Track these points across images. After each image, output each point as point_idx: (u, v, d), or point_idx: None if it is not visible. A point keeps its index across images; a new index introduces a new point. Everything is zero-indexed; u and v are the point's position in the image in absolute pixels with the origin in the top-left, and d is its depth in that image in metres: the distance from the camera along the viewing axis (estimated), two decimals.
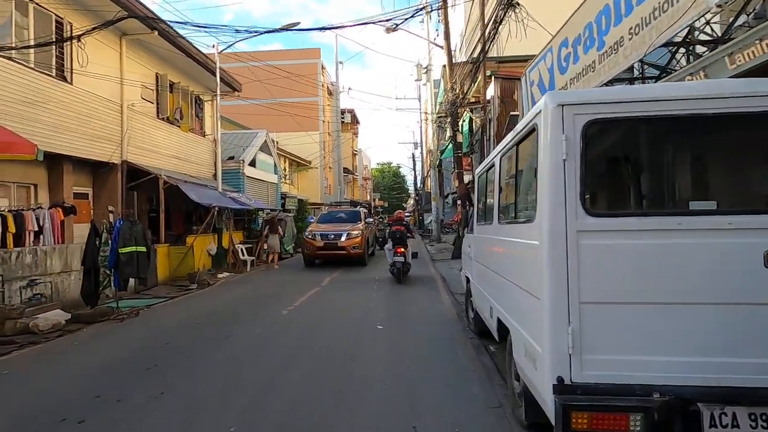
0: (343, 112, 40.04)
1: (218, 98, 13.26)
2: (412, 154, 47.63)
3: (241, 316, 6.60)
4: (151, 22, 10.09)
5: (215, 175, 15.33)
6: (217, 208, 11.44)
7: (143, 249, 6.81)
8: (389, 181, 74.87)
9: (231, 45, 13.09)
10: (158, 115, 12.07)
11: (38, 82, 8.18)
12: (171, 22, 12.49)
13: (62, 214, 8.81)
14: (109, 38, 10.10)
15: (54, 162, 9.10)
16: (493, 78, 14.12)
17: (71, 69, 9.01)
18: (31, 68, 8.08)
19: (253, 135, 17.71)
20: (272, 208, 17.28)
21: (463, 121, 15.66)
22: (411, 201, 76.16)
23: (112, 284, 6.48)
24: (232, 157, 16.04)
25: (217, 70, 13.01)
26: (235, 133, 18.10)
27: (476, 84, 14.84)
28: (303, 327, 5.88)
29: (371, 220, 15.01)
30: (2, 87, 7.45)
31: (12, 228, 7.61)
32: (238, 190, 15.41)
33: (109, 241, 6.39)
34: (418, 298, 7.92)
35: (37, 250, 6.96)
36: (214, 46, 13.15)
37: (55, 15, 8.65)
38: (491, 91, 14.39)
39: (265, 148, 18.61)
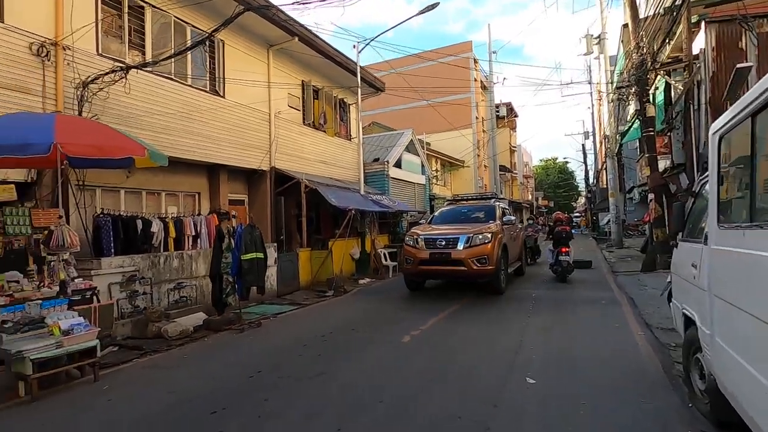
0: (498, 106, 37.24)
1: (359, 97, 12.95)
2: (582, 145, 41.41)
3: (354, 342, 5.55)
4: (289, 26, 10.16)
5: (359, 178, 15.23)
6: (353, 211, 10.96)
7: (261, 256, 6.43)
8: (555, 178, 67.35)
9: (370, 41, 12.63)
10: (304, 121, 12.33)
11: (194, 98, 8.82)
12: (309, 26, 12.63)
13: (217, 219, 9.39)
14: (258, 51, 10.57)
15: (212, 171, 9.84)
16: (703, 24, 10.22)
17: (223, 84, 9.59)
18: (188, 86, 8.76)
19: (398, 135, 17.17)
20: (419, 211, 16.36)
21: (656, 88, 11.90)
22: (582, 199, 67.12)
23: (236, 292, 6.23)
24: (377, 159, 15.74)
25: (358, 69, 12.69)
26: (380, 135, 17.90)
27: (674, 39, 11.07)
28: (421, 367, 4.44)
29: (513, 218, 9.62)
30: (165, 105, 8.16)
31: (173, 233, 8.29)
32: (383, 192, 14.95)
33: (232, 248, 6.13)
34: (594, 331, 5.59)
35: (183, 254, 7.26)
36: (354, 47, 12.91)
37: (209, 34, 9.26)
38: (700, 43, 10.46)
39: (411, 148, 17.91)
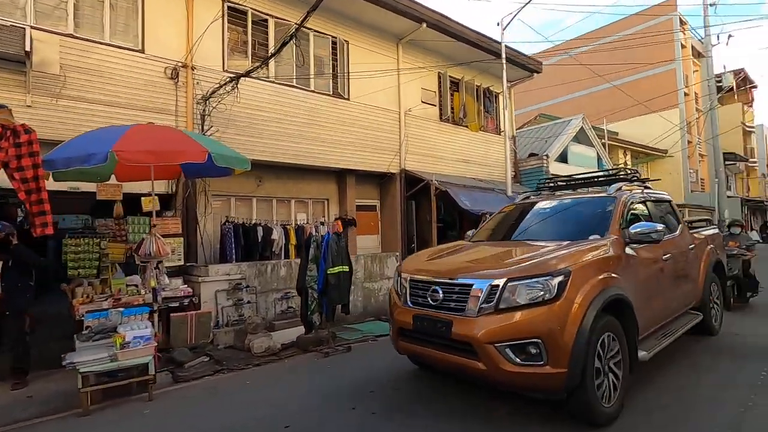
0: (719, 76, 28.36)
1: (504, 82, 11.02)
2: None
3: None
4: (413, 11, 9.18)
5: (514, 176, 13.12)
6: (488, 215, 9.09)
7: (347, 269, 5.53)
8: None
9: (518, 12, 10.61)
10: (441, 117, 11.16)
11: (316, 103, 8.69)
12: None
13: (341, 226, 9.06)
14: (385, 47, 9.95)
15: (340, 177, 9.62)
16: None
17: (348, 86, 9.25)
18: (310, 91, 8.68)
19: (563, 124, 14.31)
20: None
21: None
22: None
23: (323, 310, 5.50)
24: (534, 154, 13.33)
25: (503, 48, 10.82)
26: (541, 126, 15.28)
27: None
28: None
29: (658, 228, 3.69)
30: (286, 112, 8.22)
31: (293, 240, 8.25)
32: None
33: (319, 259, 5.44)
34: None
35: (291, 262, 7.01)
36: (498, 24, 11.10)
37: (331, 36, 9.07)
38: None
39: (583, 138, 14.72)
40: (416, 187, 9.94)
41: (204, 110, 6.97)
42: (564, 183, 5.24)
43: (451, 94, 11.54)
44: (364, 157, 9.47)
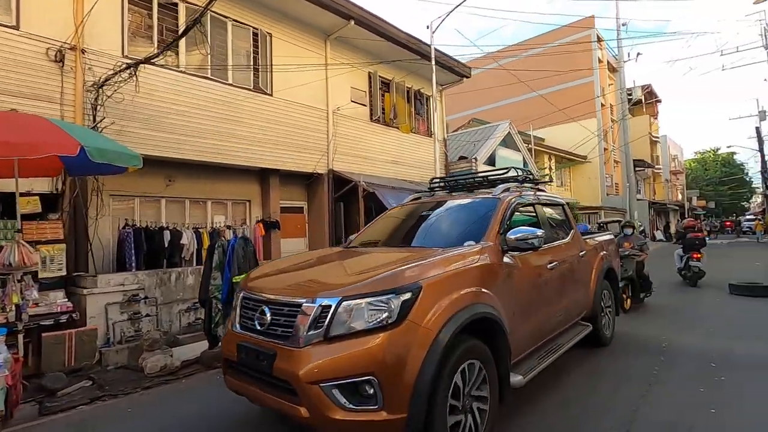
0: (630, 89, 31.19)
1: (434, 84, 11.09)
2: (757, 128, 32.14)
3: None
4: (340, 7, 8.91)
5: None
6: None
7: None
8: (716, 173, 54.60)
9: (447, 15, 10.73)
10: (371, 118, 10.98)
11: (235, 97, 8.10)
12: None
13: (263, 229, 8.55)
14: (312, 42, 9.57)
15: (263, 177, 9.07)
16: None
17: (271, 81, 8.75)
18: (228, 84, 8.07)
19: (491, 129, 14.77)
20: None
21: None
22: (758, 198, 53.19)
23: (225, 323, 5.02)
24: (464, 157, 13.62)
25: (432, 51, 10.88)
26: (471, 131, 15.69)
27: None
28: None
29: (537, 233, 3.18)
30: (199, 105, 7.56)
31: (207, 245, 7.60)
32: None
33: (223, 266, 4.95)
34: None
35: (200, 270, 6.38)
36: (428, 27, 11.15)
37: (252, 28, 8.53)
38: None
39: (510, 142, 15.30)
40: (344, 188, 9.66)
41: (97, 99, 6.15)
42: (455, 183, 4.68)
43: (382, 95, 11.42)
44: (289, 157, 9.01)
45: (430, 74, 11.95)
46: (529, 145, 19.57)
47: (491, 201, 3.70)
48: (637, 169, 32.37)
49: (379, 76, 11.15)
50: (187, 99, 7.39)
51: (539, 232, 3.17)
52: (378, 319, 2.33)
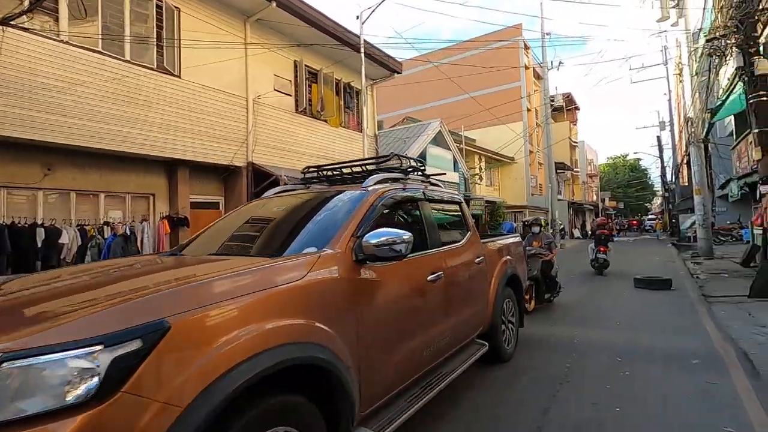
0: (553, 96, 33.34)
1: (363, 77, 10.77)
2: (657, 137, 35.87)
3: None
4: None
5: None
6: None
7: None
8: (625, 177, 60.38)
9: (376, 7, 10.42)
10: (297, 109, 10.39)
11: (135, 77, 7.15)
12: None
13: (168, 226, 7.66)
14: (229, 23, 8.79)
15: (171, 168, 8.15)
16: None
17: (179, 61, 7.86)
18: (124, 61, 7.10)
19: (422, 127, 14.77)
20: None
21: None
22: (657, 200, 59.57)
23: None
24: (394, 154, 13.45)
25: (362, 43, 10.52)
26: (402, 128, 15.62)
27: None
28: None
29: (405, 235, 2.30)
30: (85, 83, 6.53)
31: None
32: None
33: None
34: None
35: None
36: (357, 17, 10.78)
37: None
38: None
39: (441, 141, 15.42)
40: (265, 182, 8.99)
41: None
42: (331, 173, 3.67)
43: (309, 86, 10.86)
44: (201, 146, 8.18)
45: (360, 67, 11.62)
46: (460, 145, 19.99)
47: (358, 195, 2.79)
48: (558, 171, 34.71)
49: (306, 66, 10.58)
50: (70, 74, 6.35)
51: (406, 235, 2.30)
52: (71, 395, 1.24)
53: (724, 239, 22.42)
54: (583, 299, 8.09)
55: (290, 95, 10.24)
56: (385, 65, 12.31)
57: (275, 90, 9.76)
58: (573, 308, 7.27)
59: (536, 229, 7.73)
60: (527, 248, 6.45)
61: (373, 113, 13.03)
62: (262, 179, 9.08)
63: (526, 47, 31.20)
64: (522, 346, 4.98)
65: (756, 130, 7.47)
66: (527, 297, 6.25)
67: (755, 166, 8.44)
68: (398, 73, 12.83)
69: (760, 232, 10.01)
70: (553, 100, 29.01)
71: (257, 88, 9.26)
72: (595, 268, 11.19)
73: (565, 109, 36.74)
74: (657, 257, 16.73)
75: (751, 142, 9.97)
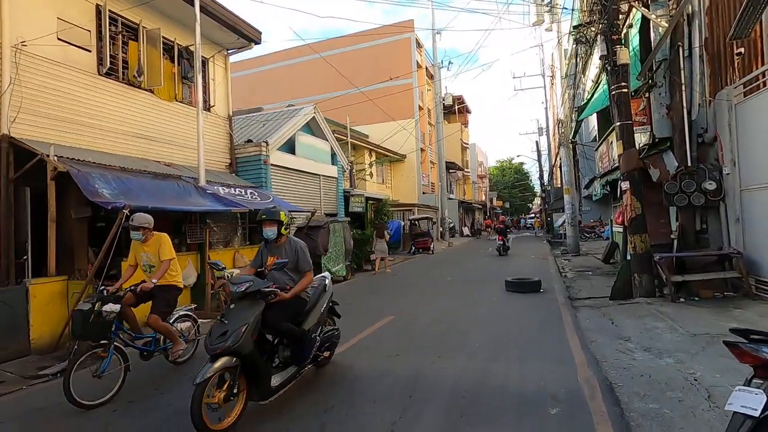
0: (445, 96, 33.78)
1: (198, 40, 8.49)
2: (536, 143, 38.62)
3: None
4: None
5: (230, 165, 10.83)
6: (127, 210, 6.24)
7: None
8: (511, 179, 65.15)
9: None
10: (100, 71, 7.77)
11: None
12: None
13: None
14: None
15: None
16: None
17: None
18: None
19: (292, 112, 12.86)
20: (317, 213, 12.11)
21: (630, 26, 8.27)
22: (537, 200, 65.40)
23: None
24: (251, 141, 11.37)
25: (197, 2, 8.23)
26: (267, 113, 13.55)
27: None
28: None
29: None
30: None
31: None
32: (258, 185, 10.59)
33: None
34: None
35: None
36: None
37: None
38: None
39: (317, 130, 13.65)
40: (29, 164, 6.32)
41: None
42: None
43: (125, 43, 8.29)
44: None
45: (210, 33, 9.42)
46: (346, 138, 18.50)
47: None
48: (450, 170, 35.39)
49: (117, 15, 8.01)
50: None
51: None
52: None
53: (588, 236, 24.36)
54: (445, 316, 6.87)
55: (89, 50, 7.59)
56: (237, 31, 10.13)
57: (60, 39, 7.07)
58: (427, 327, 6.04)
59: (270, 234, 3.87)
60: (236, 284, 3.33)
61: (227, 90, 10.79)
62: (26, 160, 6.37)
63: (419, 45, 31.00)
64: (314, 386, 3.36)
65: (617, 123, 7.03)
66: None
67: (615, 165, 8.19)
68: (257, 43, 10.73)
69: (620, 230, 10.08)
70: (445, 100, 29.24)
71: (24, 32, 6.53)
72: (498, 251, 16.52)
73: (457, 110, 37.67)
74: (533, 255, 17.13)
75: (611, 143, 10.04)
